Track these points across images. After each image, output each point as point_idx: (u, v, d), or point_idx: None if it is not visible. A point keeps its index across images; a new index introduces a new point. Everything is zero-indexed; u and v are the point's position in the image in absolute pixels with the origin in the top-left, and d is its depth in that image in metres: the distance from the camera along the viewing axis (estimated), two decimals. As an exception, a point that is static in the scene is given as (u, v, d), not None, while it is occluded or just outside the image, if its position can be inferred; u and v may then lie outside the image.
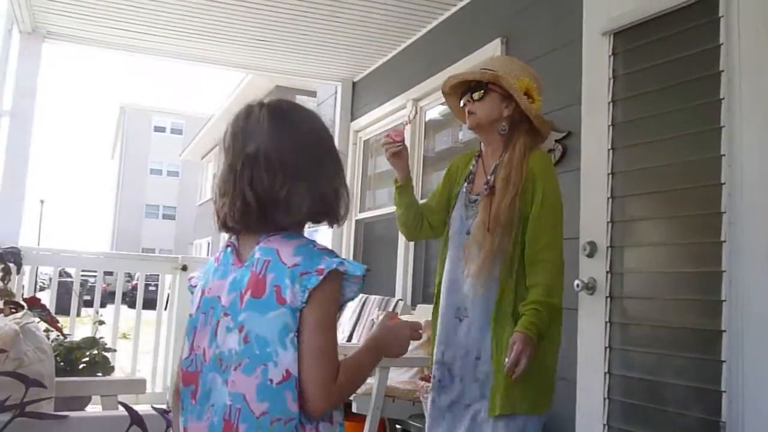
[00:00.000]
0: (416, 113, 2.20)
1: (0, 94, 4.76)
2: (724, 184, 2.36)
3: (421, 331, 1.41)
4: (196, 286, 1.35)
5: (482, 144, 2.37)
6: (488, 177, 2.27)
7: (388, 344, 1.35)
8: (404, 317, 4.00)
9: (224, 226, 1.30)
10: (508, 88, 2.25)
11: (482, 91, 2.28)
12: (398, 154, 2.32)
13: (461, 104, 2.37)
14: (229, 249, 1.31)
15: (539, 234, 2.15)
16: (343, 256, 1.29)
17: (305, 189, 1.26)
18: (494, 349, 2.13)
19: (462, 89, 2.38)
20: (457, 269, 2.25)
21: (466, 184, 2.35)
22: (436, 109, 4.98)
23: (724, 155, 2.35)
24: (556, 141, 3.23)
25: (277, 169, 1.25)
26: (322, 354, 1.19)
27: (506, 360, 2.05)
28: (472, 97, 2.30)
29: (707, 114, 2.44)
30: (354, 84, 6.08)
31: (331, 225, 1.35)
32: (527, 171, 2.19)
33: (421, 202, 2.52)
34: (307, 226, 1.34)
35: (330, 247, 1.30)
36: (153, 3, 4.49)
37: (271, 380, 1.16)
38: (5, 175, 4.74)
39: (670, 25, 2.59)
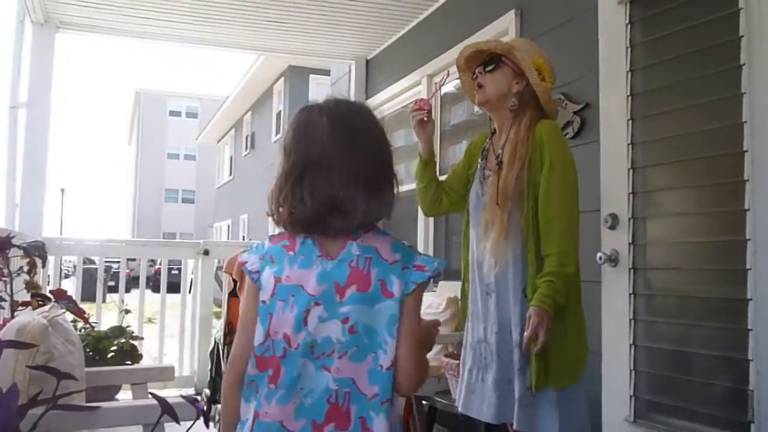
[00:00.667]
0: (445, 78, 2.14)
1: (16, 87, 4.79)
2: (747, 151, 2.33)
3: (439, 327, 1.54)
4: (256, 272, 1.36)
5: (494, 123, 2.35)
6: (497, 152, 2.26)
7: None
8: (426, 294, 4.00)
9: (284, 227, 1.37)
10: (520, 60, 2.22)
11: (494, 64, 2.26)
12: (424, 123, 2.34)
13: (473, 77, 2.34)
14: (309, 240, 1.35)
15: (550, 201, 2.11)
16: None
17: (365, 194, 1.32)
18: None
19: (475, 66, 2.35)
20: (480, 246, 2.25)
21: (480, 161, 2.35)
22: (451, 83, 4.93)
23: (746, 122, 2.32)
24: (574, 113, 3.19)
25: (337, 175, 1.31)
26: (418, 339, 1.34)
27: (524, 335, 2.04)
28: (484, 69, 2.27)
29: (728, 80, 2.40)
30: (368, 62, 6.03)
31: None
32: (534, 140, 2.17)
33: (441, 178, 2.51)
34: None
35: None
36: (163, -11, 4.48)
37: (381, 366, 1.28)
38: (25, 168, 4.77)
39: (687, -10, 2.53)
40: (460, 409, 2.31)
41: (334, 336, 1.29)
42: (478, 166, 2.35)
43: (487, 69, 2.27)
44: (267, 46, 6.00)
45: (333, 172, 1.32)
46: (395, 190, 1.40)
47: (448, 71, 2.48)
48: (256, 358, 1.32)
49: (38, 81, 4.94)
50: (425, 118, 2.34)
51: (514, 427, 2.10)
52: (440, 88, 2.39)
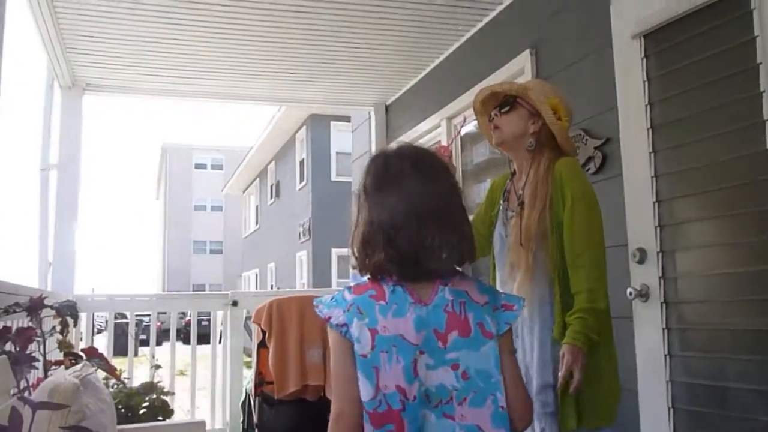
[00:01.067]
0: (463, 123, 2.18)
1: (46, 149, 4.92)
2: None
3: None
4: (344, 325, 1.32)
5: (513, 162, 2.36)
6: (519, 193, 2.26)
7: None
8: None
9: (372, 274, 1.37)
10: (535, 101, 2.23)
11: (509, 106, 2.27)
12: None
13: (489, 119, 2.35)
14: (399, 288, 1.34)
15: (575, 238, 2.10)
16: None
17: (453, 234, 1.35)
18: (556, 363, 2.07)
19: (491, 108, 2.37)
20: (505, 288, 2.23)
21: (502, 202, 2.36)
22: (472, 123, 4.95)
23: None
24: (595, 148, 3.19)
25: (424, 221, 1.33)
26: (520, 378, 1.39)
27: (559, 375, 2.01)
28: (500, 111, 2.29)
29: (749, 108, 2.38)
30: (387, 107, 6.10)
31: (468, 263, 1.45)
32: (554, 179, 2.16)
33: None
34: None
35: None
36: (183, 48, 4.60)
37: (502, 407, 1.30)
38: (57, 229, 4.86)
39: (700, 22, 2.54)
40: None
41: (448, 383, 1.30)
42: (501, 207, 2.35)
43: (502, 111, 2.29)
44: (288, 97, 6.11)
45: (422, 214, 1.33)
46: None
47: (465, 116, 2.50)
48: (369, 414, 1.27)
49: (68, 142, 5.06)
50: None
51: None
52: (459, 133, 2.39)
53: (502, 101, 2.31)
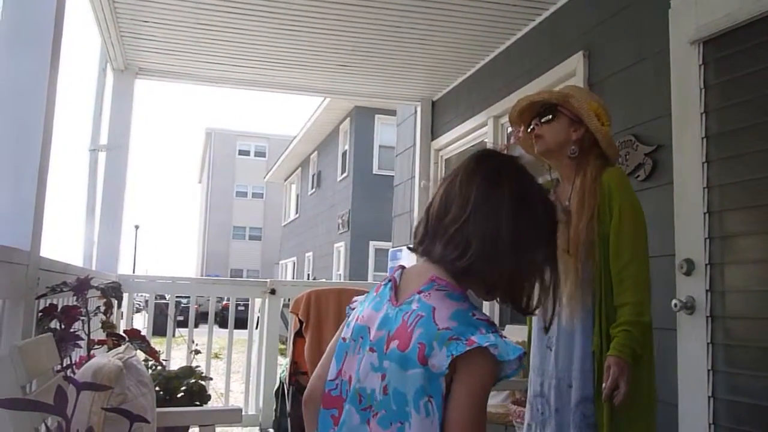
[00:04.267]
0: (508, 143, 2.18)
1: (97, 130, 5.02)
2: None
3: None
4: (354, 309, 1.36)
5: (553, 171, 2.36)
6: (565, 203, 2.23)
7: None
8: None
9: (410, 246, 1.34)
10: (578, 108, 2.21)
11: (551, 114, 2.25)
12: None
13: (529, 129, 2.34)
14: (390, 284, 1.30)
15: (621, 250, 2.09)
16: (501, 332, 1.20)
17: (475, 236, 1.22)
18: (598, 377, 2.07)
19: (530, 118, 2.35)
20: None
21: None
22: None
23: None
24: (645, 155, 3.12)
25: (454, 199, 1.26)
26: (468, 425, 1.13)
27: (603, 386, 2.00)
28: (540, 121, 2.27)
29: (811, 122, 2.31)
30: (433, 103, 6.07)
31: (494, 299, 1.32)
32: (602, 190, 2.15)
33: None
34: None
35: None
36: (237, 36, 4.64)
37: None
38: (104, 208, 4.96)
39: (764, 30, 2.46)
40: None
41: (375, 389, 1.20)
42: None
43: (543, 120, 2.27)
44: (335, 89, 6.12)
45: (452, 196, 1.27)
46: (513, 265, 1.23)
47: (507, 145, 2.46)
48: (324, 394, 1.29)
49: (118, 125, 5.16)
50: None
51: None
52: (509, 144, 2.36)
53: (543, 110, 2.28)
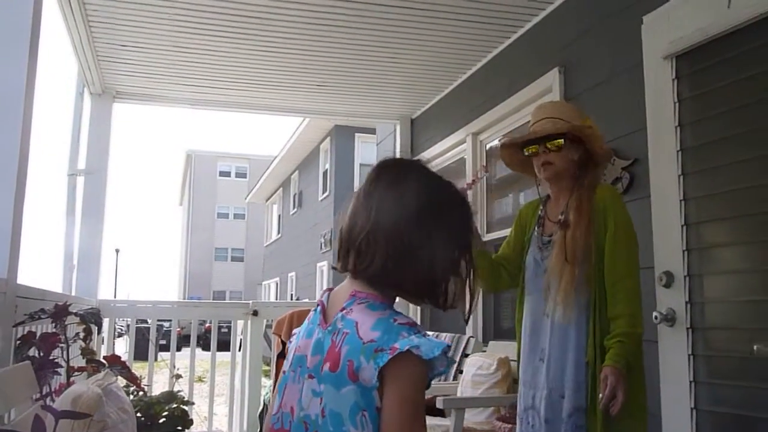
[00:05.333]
0: (482, 175, 2.18)
1: (75, 155, 4.98)
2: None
3: None
4: (293, 341, 1.35)
5: (541, 188, 2.42)
6: (560, 216, 2.29)
7: None
8: (476, 355, 3.94)
9: (334, 264, 1.32)
10: (588, 136, 2.29)
11: (562, 141, 2.29)
12: None
13: (534, 153, 2.36)
14: (318, 308, 1.30)
15: (616, 263, 2.15)
16: (423, 329, 1.20)
17: (381, 243, 1.21)
18: (591, 387, 2.11)
19: (522, 144, 2.41)
20: (538, 311, 2.27)
21: (537, 228, 2.39)
22: (495, 136, 4.94)
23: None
24: (622, 169, 3.15)
25: (360, 210, 1.26)
26: None
27: (600, 396, 2.04)
28: (547, 148, 2.31)
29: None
30: (412, 121, 6.10)
31: (414, 302, 1.32)
32: (596, 205, 2.22)
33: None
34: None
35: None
36: (214, 58, 4.64)
37: None
38: (83, 235, 4.91)
39: (734, 44, 2.51)
40: None
41: (318, 416, 1.18)
42: (535, 233, 2.39)
43: (551, 148, 2.30)
44: (314, 108, 6.14)
45: (355, 206, 1.27)
46: (427, 266, 1.23)
47: (479, 172, 2.48)
48: (269, 430, 1.28)
49: (96, 149, 5.13)
50: None
51: None
52: (475, 184, 2.38)
53: (551, 139, 2.31)
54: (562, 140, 2.29)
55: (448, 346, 1.17)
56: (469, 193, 4.90)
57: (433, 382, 1.21)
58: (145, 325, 5.98)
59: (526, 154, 2.40)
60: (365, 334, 1.16)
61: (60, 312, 2.24)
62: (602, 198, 2.23)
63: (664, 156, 2.78)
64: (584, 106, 3.49)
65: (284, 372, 1.30)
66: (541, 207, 2.43)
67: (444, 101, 5.49)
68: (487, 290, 2.56)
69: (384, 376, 1.13)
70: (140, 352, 5.07)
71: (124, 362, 2.48)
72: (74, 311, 2.45)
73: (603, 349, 2.11)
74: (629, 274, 2.16)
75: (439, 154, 5.52)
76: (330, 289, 1.33)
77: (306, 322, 1.32)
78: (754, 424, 2.40)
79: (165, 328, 11.56)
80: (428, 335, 1.17)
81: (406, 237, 1.22)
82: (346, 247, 1.26)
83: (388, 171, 1.30)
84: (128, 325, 5.25)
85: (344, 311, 1.22)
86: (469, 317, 1.31)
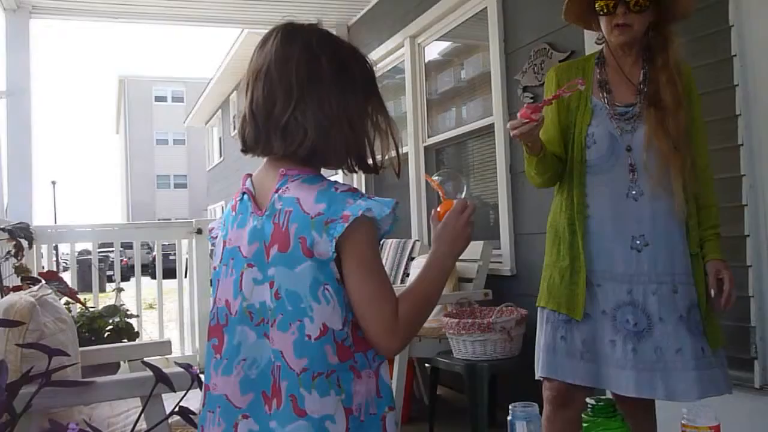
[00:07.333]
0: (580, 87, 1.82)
1: (-7, 75, 4.72)
2: (737, 85, 2.30)
3: (470, 203, 1.29)
4: (216, 237, 1.30)
5: (584, 80, 1.92)
6: (640, 86, 1.99)
7: (449, 253, 1.26)
8: (422, 257, 3.98)
9: (242, 148, 1.26)
10: None
11: (647, 2, 1.92)
12: (531, 132, 1.89)
13: (609, 12, 1.94)
14: (245, 195, 1.24)
15: (702, 150, 1.99)
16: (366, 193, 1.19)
17: (310, 117, 1.17)
18: (698, 278, 1.93)
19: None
20: (619, 192, 1.95)
21: (603, 95, 2.02)
22: (436, 49, 4.87)
23: (735, 56, 2.28)
24: (559, 62, 3.14)
25: (277, 88, 1.19)
26: (372, 298, 1.16)
27: (714, 292, 1.91)
28: (628, 7, 1.91)
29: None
30: (349, 28, 5.95)
31: (348, 170, 1.27)
32: (684, 79, 1.96)
33: None
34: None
35: None
36: (135, -36, 4.39)
37: (309, 336, 1.13)
38: (10, 156, 4.69)
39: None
40: (584, 383, 1.94)
41: (266, 301, 1.17)
42: (598, 100, 2.01)
43: (634, 9, 1.92)
44: (246, 18, 5.91)
45: (272, 81, 1.19)
46: (368, 121, 1.23)
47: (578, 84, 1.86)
48: (208, 327, 1.26)
49: (16, 68, 4.85)
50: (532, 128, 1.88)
51: (685, 398, 1.84)
52: (563, 94, 1.86)
53: (635, 1, 1.91)
54: (649, 1, 1.92)
55: (396, 202, 1.16)
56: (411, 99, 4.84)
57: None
58: (90, 257, 5.87)
59: (599, 10, 1.97)
60: (311, 208, 1.14)
61: (-14, 228, 2.15)
62: (688, 78, 1.98)
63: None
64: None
65: (214, 268, 1.27)
66: (596, 69, 2.06)
67: (380, 5, 5.35)
68: (542, 185, 2.12)
69: (340, 245, 1.13)
70: (87, 284, 4.96)
71: (61, 278, 2.42)
72: (1, 227, 2.36)
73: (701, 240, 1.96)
74: (710, 162, 2.00)
75: (377, 60, 5.38)
76: (249, 175, 1.28)
77: (231, 212, 1.27)
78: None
79: (111, 259, 11.38)
80: (372, 197, 1.16)
81: (334, 108, 1.19)
82: (267, 129, 1.20)
83: (295, 40, 1.22)
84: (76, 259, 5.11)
85: (279, 191, 1.18)
86: (399, 171, 1.28)
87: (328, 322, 1.13)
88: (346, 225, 1.11)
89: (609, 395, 1.92)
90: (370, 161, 1.26)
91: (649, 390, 1.86)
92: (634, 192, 1.93)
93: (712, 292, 1.91)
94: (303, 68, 1.19)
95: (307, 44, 1.21)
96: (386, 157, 1.27)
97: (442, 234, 1.27)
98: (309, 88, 1.19)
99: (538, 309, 2.08)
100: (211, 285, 1.29)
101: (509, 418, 1.39)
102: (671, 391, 1.84)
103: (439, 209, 1.32)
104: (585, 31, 2.84)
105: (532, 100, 3.37)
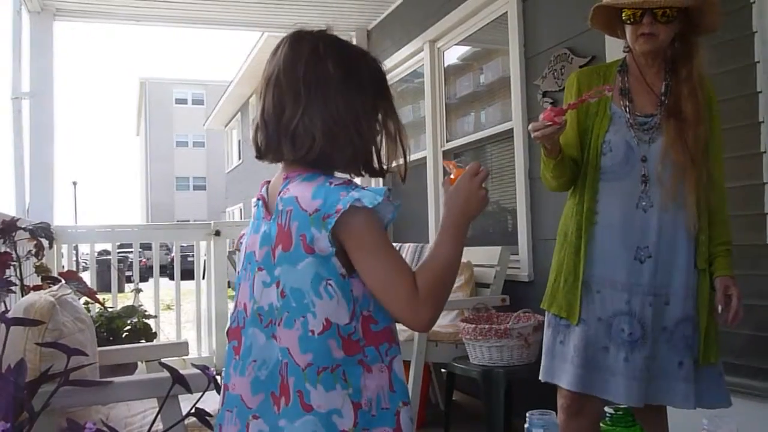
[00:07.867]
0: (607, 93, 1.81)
1: (18, 77, 4.77)
2: (761, 92, 2.27)
3: (483, 168, 1.26)
4: (243, 243, 1.33)
5: (611, 87, 1.95)
6: (661, 97, 1.98)
7: (462, 213, 1.23)
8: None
9: (256, 155, 1.28)
10: (712, 4, 1.93)
11: (676, 13, 1.90)
12: (553, 135, 1.90)
13: (636, 21, 1.92)
14: (260, 202, 1.27)
15: (718, 165, 1.97)
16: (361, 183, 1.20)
17: (317, 122, 1.18)
18: (702, 294, 1.93)
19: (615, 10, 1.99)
20: (629, 202, 1.94)
21: (624, 103, 2.01)
22: (455, 54, 4.86)
23: (758, 62, 2.25)
24: (580, 68, 3.12)
25: (285, 94, 1.20)
26: (386, 279, 1.15)
27: (722, 307, 1.90)
28: (655, 18, 1.89)
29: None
30: (369, 32, 5.95)
31: (355, 173, 1.27)
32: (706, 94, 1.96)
33: None
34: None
35: None
36: (157, -32, 4.42)
37: (312, 331, 1.14)
38: (32, 157, 4.74)
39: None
40: (581, 390, 1.95)
41: (273, 302, 1.19)
42: (617, 108, 2.00)
43: (662, 20, 1.90)
44: (267, 22, 5.93)
45: (281, 88, 1.21)
46: (378, 125, 1.25)
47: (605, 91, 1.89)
48: (228, 329, 1.28)
49: (39, 70, 4.91)
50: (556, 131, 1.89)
51: (681, 406, 1.89)
52: (589, 99, 1.88)
53: (663, 11, 1.90)
54: (676, 11, 1.90)
55: (389, 189, 1.15)
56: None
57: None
58: (109, 257, 5.92)
59: (626, 19, 1.95)
60: (308, 205, 1.15)
61: (8, 228, 2.18)
62: (710, 91, 1.97)
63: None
64: (542, 3, 3.42)
65: (239, 273, 1.30)
66: (618, 77, 2.05)
67: (399, 11, 5.35)
68: (558, 189, 2.13)
69: (339, 239, 1.14)
70: (106, 284, 5.00)
71: (80, 278, 2.44)
72: (22, 227, 2.39)
73: (710, 256, 1.94)
74: (724, 178, 1.99)
75: (396, 65, 5.41)
76: (268, 182, 1.31)
77: (251, 219, 1.31)
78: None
79: (130, 260, 11.50)
80: (367, 187, 1.16)
81: (341, 113, 1.20)
82: (277, 135, 1.21)
83: (302, 46, 1.24)
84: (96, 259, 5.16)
85: (281, 193, 1.21)
86: (405, 176, 1.28)
87: (332, 317, 1.14)
88: (337, 218, 1.12)
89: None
90: (376, 165, 1.27)
91: (637, 399, 1.87)
92: (644, 203, 1.93)
93: (719, 308, 1.90)
94: (310, 73, 1.21)
95: (314, 49, 1.23)
96: (393, 163, 1.27)
97: (453, 195, 1.25)
98: (316, 92, 1.20)
99: (545, 312, 2.11)
100: (230, 287, 1.31)
101: (526, 425, 1.38)
102: (657, 402, 1.89)
103: (451, 176, 1.29)
104: (606, 36, 2.84)
105: (551, 106, 3.35)
